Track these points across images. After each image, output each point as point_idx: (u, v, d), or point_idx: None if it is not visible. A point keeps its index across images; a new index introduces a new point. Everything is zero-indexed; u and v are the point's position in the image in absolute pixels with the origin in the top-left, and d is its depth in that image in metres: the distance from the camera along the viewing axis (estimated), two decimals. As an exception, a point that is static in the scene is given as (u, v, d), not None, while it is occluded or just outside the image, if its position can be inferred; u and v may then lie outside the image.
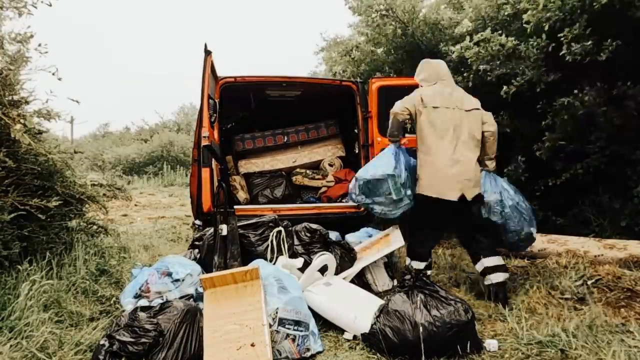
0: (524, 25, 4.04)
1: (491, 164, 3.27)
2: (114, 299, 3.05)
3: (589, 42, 3.56)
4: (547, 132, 4.16)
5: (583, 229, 4.32)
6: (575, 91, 3.86)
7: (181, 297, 2.70)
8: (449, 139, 3.04)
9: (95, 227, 4.04)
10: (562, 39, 3.75)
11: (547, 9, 3.78)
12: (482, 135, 3.15)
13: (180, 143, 18.09)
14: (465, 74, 4.58)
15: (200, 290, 2.72)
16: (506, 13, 4.41)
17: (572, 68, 3.89)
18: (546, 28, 3.85)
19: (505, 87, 4.19)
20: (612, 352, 2.19)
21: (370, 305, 2.76)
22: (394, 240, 3.52)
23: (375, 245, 3.59)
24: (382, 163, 3.25)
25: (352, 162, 5.81)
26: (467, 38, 4.37)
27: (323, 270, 3.14)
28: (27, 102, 3.22)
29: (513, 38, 4.13)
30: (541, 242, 3.90)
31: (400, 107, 3.16)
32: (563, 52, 3.72)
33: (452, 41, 4.74)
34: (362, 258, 3.45)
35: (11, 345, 2.21)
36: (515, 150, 4.58)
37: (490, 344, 2.39)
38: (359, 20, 6.10)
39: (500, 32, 4.25)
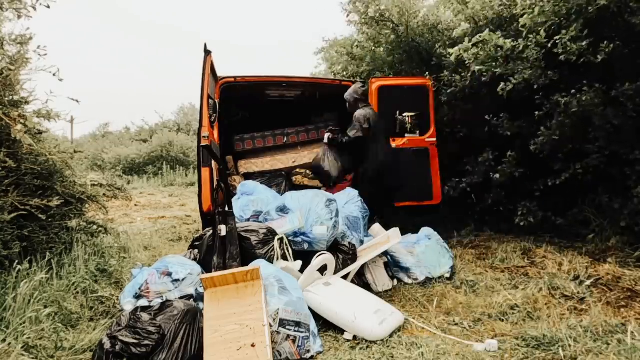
0: (521, 29, 4.05)
1: None
2: (114, 299, 3.04)
3: (584, 43, 3.57)
4: (542, 128, 4.15)
5: (583, 229, 4.32)
6: (573, 91, 3.87)
7: (181, 297, 2.70)
8: None
9: (95, 227, 4.04)
10: (557, 41, 3.76)
11: (543, 14, 3.79)
12: None
13: (180, 143, 18.05)
14: (462, 74, 4.59)
15: (200, 290, 2.72)
16: (494, 11, 4.43)
17: (571, 68, 3.89)
18: (542, 32, 3.87)
19: (502, 84, 4.19)
20: (612, 352, 2.19)
21: (369, 305, 2.76)
22: (393, 237, 3.53)
23: (375, 246, 3.60)
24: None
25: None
26: (466, 40, 4.38)
27: (322, 270, 3.15)
28: (27, 102, 3.22)
29: (510, 40, 4.14)
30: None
31: None
32: (558, 50, 3.72)
33: (449, 42, 4.74)
34: (362, 257, 3.45)
35: (9, 344, 2.21)
36: (515, 151, 4.58)
37: (490, 344, 2.39)
38: (357, 19, 6.10)
39: (498, 33, 4.26)
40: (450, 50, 4.51)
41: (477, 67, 4.32)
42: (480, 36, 4.23)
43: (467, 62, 4.44)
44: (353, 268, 3.32)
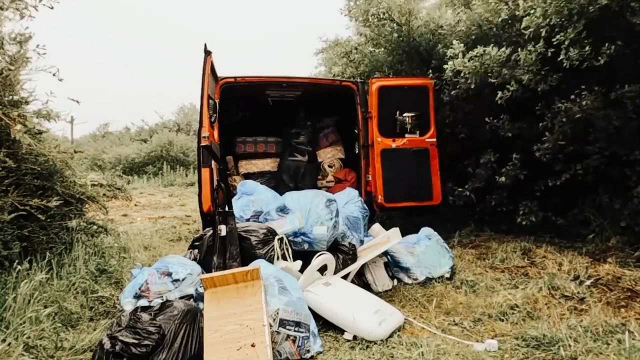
0: (523, 31, 4.06)
1: None
2: (114, 299, 3.04)
3: (586, 48, 3.58)
4: (547, 133, 4.16)
5: (583, 229, 4.32)
6: (573, 96, 3.88)
7: (181, 297, 2.70)
8: None
9: (95, 227, 4.04)
10: (558, 43, 3.77)
11: (545, 15, 3.80)
12: None
13: (180, 143, 18.06)
14: (462, 81, 4.60)
15: (200, 290, 2.72)
16: (501, 18, 4.44)
17: (572, 72, 3.90)
18: (543, 34, 3.87)
19: (500, 93, 4.22)
20: (612, 352, 2.19)
21: (369, 305, 2.76)
22: (393, 238, 3.54)
23: (375, 246, 3.60)
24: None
25: (351, 161, 5.82)
26: (460, 55, 4.41)
27: (322, 270, 3.15)
28: (27, 103, 3.22)
29: (505, 48, 4.17)
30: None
31: None
32: (561, 57, 3.74)
33: (449, 47, 4.75)
34: (362, 257, 3.45)
35: (9, 344, 2.21)
36: (515, 152, 4.59)
37: (490, 344, 2.39)
38: (356, 22, 6.10)
39: (494, 41, 4.29)
40: (445, 66, 4.55)
41: (477, 80, 4.37)
42: (474, 52, 4.27)
43: (462, 75, 4.47)
44: (353, 268, 3.32)
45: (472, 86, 4.48)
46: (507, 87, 4.19)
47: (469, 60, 4.36)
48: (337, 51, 6.86)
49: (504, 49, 4.18)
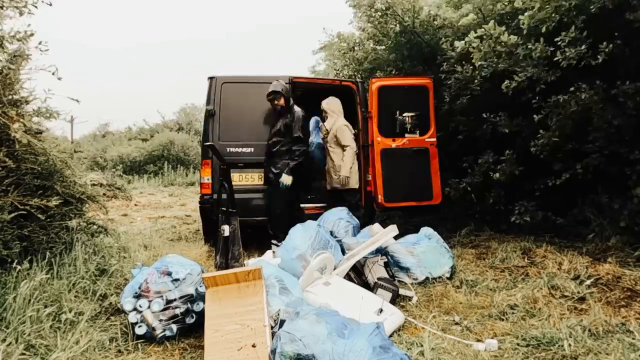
0: (521, 26, 4.06)
1: None
2: (114, 298, 3.04)
3: (583, 47, 3.57)
4: (541, 130, 4.15)
5: (583, 229, 4.32)
6: (572, 89, 3.86)
7: (181, 297, 2.70)
8: None
9: (95, 226, 4.03)
10: (558, 42, 3.76)
11: (543, 10, 3.78)
12: None
13: (180, 143, 18.07)
14: (466, 67, 4.58)
15: (201, 289, 2.72)
16: (505, 10, 4.43)
17: (572, 67, 3.89)
18: (543, 30, 3.86)
19: (506, 82, 4.17)
20: (612, 352, 2.19)
21: (369, 304, 2.76)
22: (390, 231, 3.56)
23: (372, 241, 3.60)
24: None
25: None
26: (471, 33, 4.36)
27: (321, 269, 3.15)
28: (27, 102, 3.21)
29: (514, 35, 4.14)
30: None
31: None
32: (557, 57, 3.74)
33: (453, 37, 4.74)
34: (357, 254, 3.44)
35: (9, 344, 2.21)
36: (515, 150, 4.58)
37: (490, 344, 2.39)
38: (360, 16, 6.11)
39: (503, 27, 4.25)
40: (457, 43, 4.49)
41: (479, 63, 4.32)
42: (485, 28, 4.19)
43: (472, 56, 4.43)
44: (347, 265, 3.33)
45: (477, 72, 4.43)
46: (514, 77, 4.15)
47: (480, 41, 4.31)
48: (340, 46, 6.88)
49: (513, 36, 4.15)
